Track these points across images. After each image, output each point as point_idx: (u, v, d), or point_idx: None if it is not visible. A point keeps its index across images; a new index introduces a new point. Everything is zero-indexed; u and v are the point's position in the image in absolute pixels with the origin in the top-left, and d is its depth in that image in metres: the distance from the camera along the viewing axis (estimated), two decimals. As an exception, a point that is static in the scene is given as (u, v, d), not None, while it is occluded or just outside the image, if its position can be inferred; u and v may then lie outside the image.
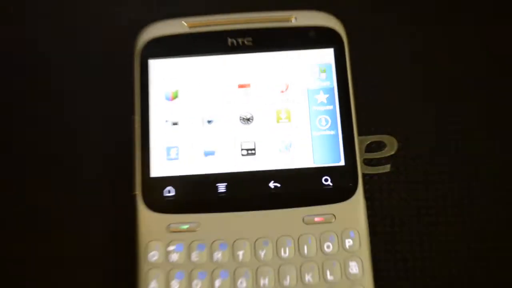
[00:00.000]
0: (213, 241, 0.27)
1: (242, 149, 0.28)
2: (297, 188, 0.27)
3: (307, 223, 0.27)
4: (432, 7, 0.33)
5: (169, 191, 0.27)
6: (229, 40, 0.29)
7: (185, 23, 0.29)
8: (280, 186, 0.27)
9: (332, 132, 0.28)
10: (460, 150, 0.31)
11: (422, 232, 0.29)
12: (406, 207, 0.30)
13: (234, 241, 0.27)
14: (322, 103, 0.28)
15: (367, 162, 0.29)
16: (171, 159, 0.28)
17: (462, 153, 0.30)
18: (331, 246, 0.26)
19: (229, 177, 0.27)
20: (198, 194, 0.27)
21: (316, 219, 0.27)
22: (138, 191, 0.27)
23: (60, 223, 0.30)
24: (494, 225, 0.30)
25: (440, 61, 0.32)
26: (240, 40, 0.29)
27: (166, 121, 0.28)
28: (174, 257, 0.26)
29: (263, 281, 0.26)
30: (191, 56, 0.29)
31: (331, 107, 0.28)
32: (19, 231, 0.30)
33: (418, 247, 0.29)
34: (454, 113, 0.31)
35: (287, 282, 0.26)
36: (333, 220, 0.27)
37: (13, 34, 0.33)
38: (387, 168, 0.29)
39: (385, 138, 0.30)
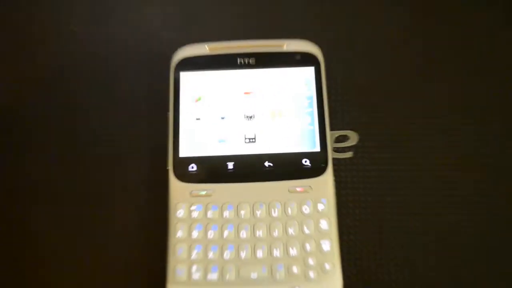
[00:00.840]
0: (223, 203, 0.30)
1: (245, 138, 0.31)
2: (284, 167, 0.30)
3: (291, 192, 0.30)
4: (385, 31, 0.36)
5: (192, 167, 0.31)
6: (238, 59, 0.32)
7: (207, 47, 0.32)
8: (272, 165, 0.30)
9: (311, 127, 0.31)
10: (412, 144, 0.34)
11: (374, 200, 0.33)
12: (363, 182, 0.33)
13: (238, 204, 0.30)
14: (304, 106, 0.32)
15: (335, 150, 0.32)
16: (195, 144, 0.31)
17: (414, 147, 0.33)
18: (308, 209, 0.30)
19: (236, 158, 0.31)
20: (213, 170, 0.30)
21: (298, 189, 0.30)
22: (170, 167, 0.30)
23: (113, 195, 0.33)
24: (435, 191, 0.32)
25: (391, 72, 0.35)
26: (246, 60, 0.32)
27: (192, 116, 0.32)
28: (195, 214, 0.30)
29: (258, 233, 0.29)
30: (211, 70, 0.32)
31: (311, 109, 0.32)
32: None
33: (369, 210, 0.33)
34: (409, 114, 0.34)
35: (276, 233, 0.29)
36: (310, 190, 0.30)
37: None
38: (349, 154, 0.32)
39: (349, 132, 0.33)
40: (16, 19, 0.37)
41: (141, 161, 0.34)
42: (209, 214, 0.30)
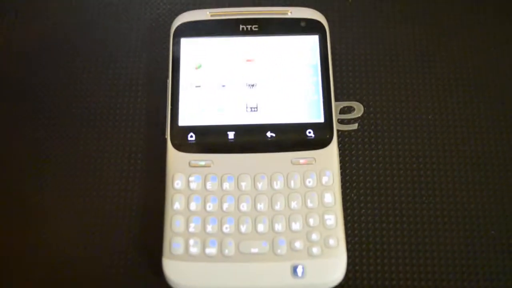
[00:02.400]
0: (223, 175, 0.30)
1: (247, 107, 0.31)
2: (287, 137, 0.31)
3: (294, 164, 0.30)
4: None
5: (191, 136, 0.31)
6: (241, 26, 0.33)
7: (208, 12, 0.33)
8: (275, 136, 0.31)
9: (316, 97, 0.32)
10: (419, 116, 0.34)
11: (379, 173, 0.33)
12: (369, 155, 0.33)
13: (239, 175, 0.30)
14: (309, 75, 0.32)
15: (340, 121, 0.32)
16: (194, 112, 0.31)
17: (420, 119, 0.34)
18: (311, 182, 0.30)
19: (237, 128, 0.31)
20: (213, 139, 0.31)
21: (301, 161, 0.30)
22: (168, 136, 0.31)
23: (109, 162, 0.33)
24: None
25: (397, 44, 0.35)
26: (249, 26, 0.33)
27: (191, 84, 0.32)
28: (193, 185, 0.30)
29: (259, 206, 0.29)
30: (212, 37, 0.33)
31: (315, 78, 0.32)
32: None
33: (375, 184, 0.32)
34: (415, 86, 0.34)
35: (277, 207, 0.29)
36: (314, 162, 0.30)
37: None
38: (354, 126, 0.33)
39: (354, 104, 0.33)
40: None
41: (139, 129, 0.34)
42: (208, 185, 0.30)
